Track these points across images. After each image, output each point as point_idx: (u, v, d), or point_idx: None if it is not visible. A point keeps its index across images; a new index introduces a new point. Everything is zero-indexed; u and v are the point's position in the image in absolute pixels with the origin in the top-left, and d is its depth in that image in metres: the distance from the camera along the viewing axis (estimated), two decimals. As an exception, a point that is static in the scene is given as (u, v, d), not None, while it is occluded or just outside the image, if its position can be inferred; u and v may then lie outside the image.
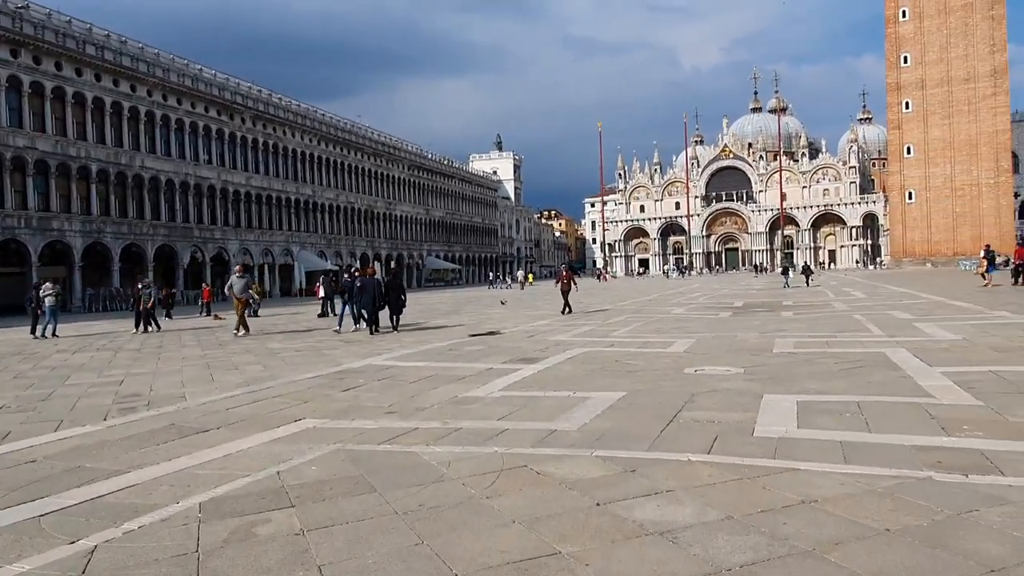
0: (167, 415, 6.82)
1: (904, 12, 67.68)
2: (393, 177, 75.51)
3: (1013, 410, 5.54)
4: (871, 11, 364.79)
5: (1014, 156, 72.97)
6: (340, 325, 16.37)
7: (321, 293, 23.85)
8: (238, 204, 52.59)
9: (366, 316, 17.18)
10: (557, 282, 21.52)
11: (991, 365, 7.87)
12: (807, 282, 37.42)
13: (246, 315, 17.14)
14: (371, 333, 16.48)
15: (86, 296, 38.61)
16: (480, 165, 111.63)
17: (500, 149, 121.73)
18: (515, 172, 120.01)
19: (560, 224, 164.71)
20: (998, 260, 30.19)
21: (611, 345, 11.63)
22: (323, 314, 22.89)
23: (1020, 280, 26.13)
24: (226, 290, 17.29)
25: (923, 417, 5.43)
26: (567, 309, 20.24)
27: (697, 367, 8.74)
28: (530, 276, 73.31)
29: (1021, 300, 18.54)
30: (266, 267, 54.47)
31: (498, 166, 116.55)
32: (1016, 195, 72.86)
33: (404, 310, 18.27)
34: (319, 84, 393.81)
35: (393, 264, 70.05)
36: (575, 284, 22.25)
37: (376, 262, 65.66)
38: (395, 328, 16.99)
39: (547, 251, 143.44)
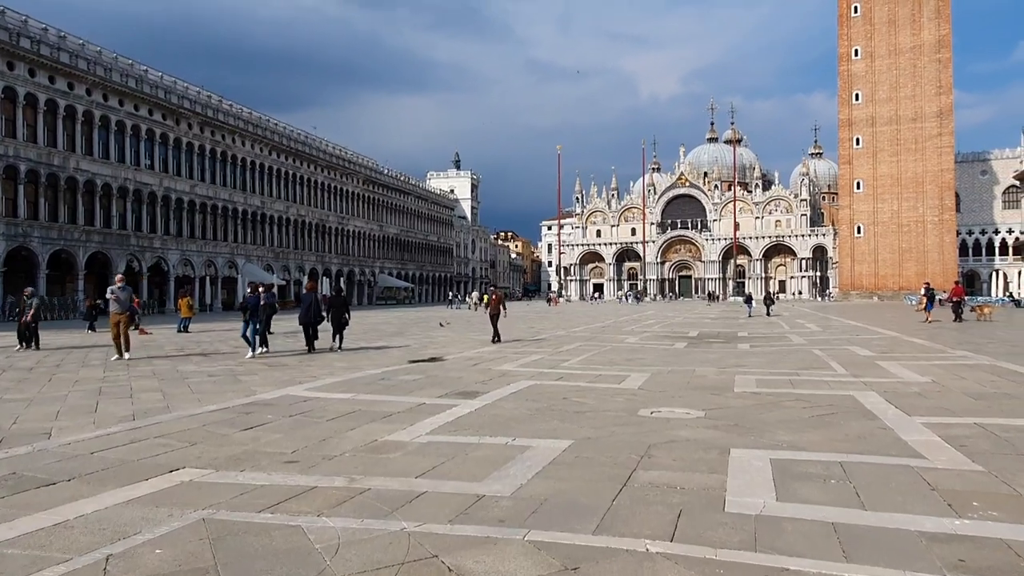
0: (13, 459, 5.57)
1: (856, 51, 69.49)
2: (347, 191, 73.90)
3: (1020, 478, 4.73)
4: (821, 51, 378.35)
5: (957, 196, 75.27)
6: (254, 350, 14.09)
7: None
8: (180, 212, 50.39)
9: (304, 333, 16.41)
10: (485, 306, 19.50)
11: (973, 416, 7.14)
12: (767, 312, 37.52)
13: (128, 332, 14.10)
14: (310, 350, 15.79)
15: (6, 304, 36.12)
16: (437, 183, 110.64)
17: (458, 168, 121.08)
18: (472, 191, 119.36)
19: (517, 246, 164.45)
20: (937, 297, 30.86)
21: (560, 378, 10.68)
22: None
23: (960, 318, 26.88)
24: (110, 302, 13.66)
25: (921, 487, 4.58)
26: (496, 338, 17.98)
27: (653, 408, 7.83)
28: (485, 297, 72.27)
29: (977, 339, 18.27)
30: (208, 279, 52.24)
31: (455, 185, 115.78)
32: (958, 233, 75.00)
33: (347, 329, 17.41)
34: (279, 94, 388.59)
35: (340, 280, 68.24)
36: (504, 309, 19.28)
37: (326, 277, 63.88)
38: (338, 348, 16.24)
39: (503, 272, 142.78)
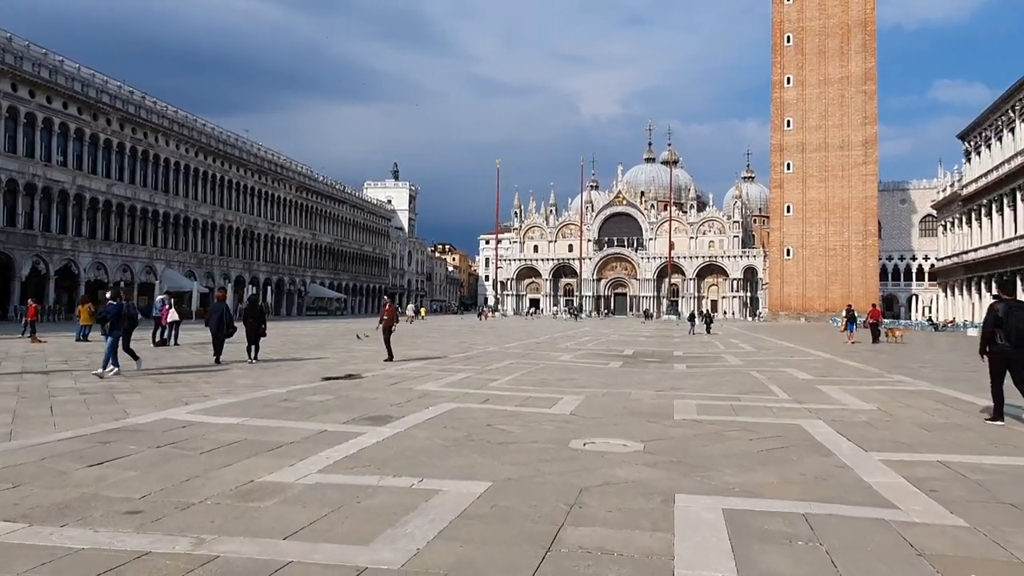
0: None
1: (789, 79, 71.51)
2: (278, 197, 71.43)
3: (1011, 537, 4.02)
4: (755, 80, 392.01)
5: (879, 223, 78.07)
6: (103, 368, 12.11)
7: (173, 316, 20.67)
8: (95, 213, 47.37)
9: (213, 345, 15.44)
10: (380, 321, 16.52)
11: (932, 451, 6.51)
12: (707, 330, 37.87)
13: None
14: (216, 363, 14.92)
15: None
16: (374, 193, 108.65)
17: (396, 178, 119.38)
18: (410, 203, 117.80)
19: (454, 259, 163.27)
20: (858, 319, 31.98)
21: (486, 400, 9.70)
22: (161, 342, 19.82)
23: (876, 338, 28.43)
24: None
25: (904, 551, 3.79)
26: (389, 357, 16.04)
27: (587, 439, 6.95)
28: (422, 310, 70.86)
29: (910, 363, 18.21)
30: (122, 285, 49.18)
31: (393, 195, 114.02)
32: (880, 258, 77.69)
33: (264, 340, 16.36)
34: (220, 99, 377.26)
35: (267, 289, 65.67)
36: (396, 322, 17.08)
37: (252, 286, 61.30)
38: (253, 359, 15.31)
39: (439, 285, 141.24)
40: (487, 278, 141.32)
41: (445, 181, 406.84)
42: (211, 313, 16.53)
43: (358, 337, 26.04)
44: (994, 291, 9.05)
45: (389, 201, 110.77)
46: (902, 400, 10.24)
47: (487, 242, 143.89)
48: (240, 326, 15.89)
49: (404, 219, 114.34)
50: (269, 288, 65.98)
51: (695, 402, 9.78)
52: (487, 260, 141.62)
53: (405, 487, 4.97)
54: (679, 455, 6.23)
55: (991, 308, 8.17)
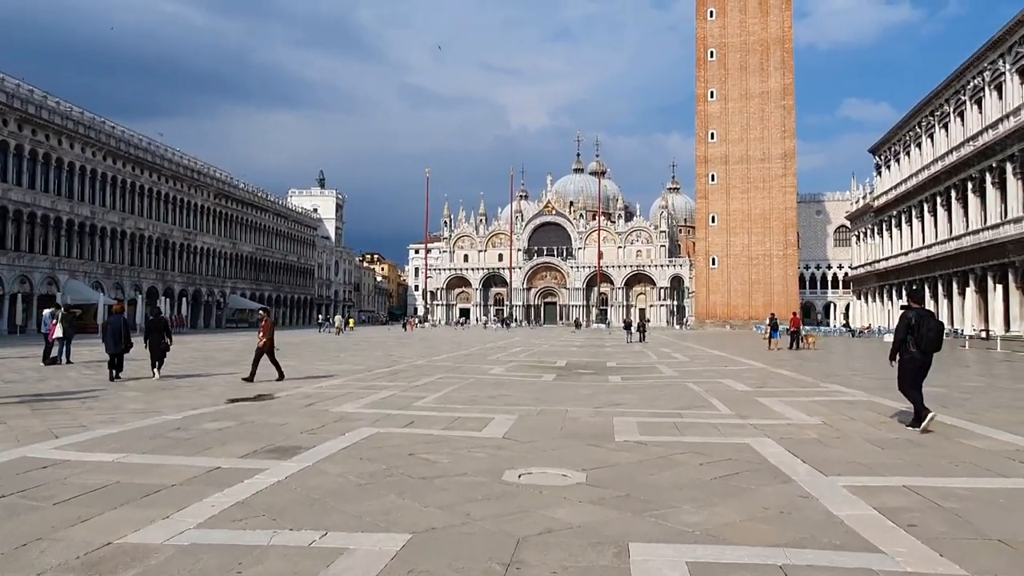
0: None
1: (712, 93, 73.25)
2: (195, 205, 68.20)
3: (1018, 587, 3.45)
4: (679, 96, 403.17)
5: (798, 233, 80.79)
6: None
7: (58, 332, 18.79)
8: (-12, 220, 43.82)
9: (108, 361, 14.38)
10: (260, 335, 14.03)
11: (894, 474, 6.02)
12: (642, 338, 38.16)
13: None
14: (111, 379, 13.84)
15: None
16: (299, 201, 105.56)
17: (323, 186, 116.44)
18: (337, 211, 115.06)
19: (383, 269, 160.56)
20: (780, 327, 33.08)
21: (411, 423, 8.80)
22: (52, 359, 18.01)
23: (796, 345, 29.83)
24: None
25: (909, 615, 3.16)
26: (279, 374, 14.12)
27: (522, 468, 6.17)
28: (351, 321, 68.85)
29: (840, 370, 18.25)
30: (20, 297, 45.66)
31: (319, 203, 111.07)
32: (798, 267, 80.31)
33: (168, 355, 15.14)
34: (142, 103, 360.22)
35: (182, 301, 62.48)
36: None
37: (166, 298, 58.12)
38: (156, 376, 14.33)
39: (368, 296, 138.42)
40: (417, 288, 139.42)
41: (374, 190, 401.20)
42: (106, 327, 15.09)
43: None
44: (904, 300, 9.17)
45: (315, 210, 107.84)
46: (845, 412, 9.89)
47: (417, 252, 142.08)
48: (141, 341, 14.51)
49: (331, 228, 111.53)
50: (185, 300, 62.77)
51: (636, 420, 9.15)
52: (416, 270, 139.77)
53: (303, 546, 4.06)
54: (626, 487, 5.52)
55: (903, 317, 8.36)
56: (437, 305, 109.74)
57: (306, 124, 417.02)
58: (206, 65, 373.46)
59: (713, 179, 73.46)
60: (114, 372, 14.22)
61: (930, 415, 8.14)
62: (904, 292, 58.33)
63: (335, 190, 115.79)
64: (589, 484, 5.65)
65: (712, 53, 73.42)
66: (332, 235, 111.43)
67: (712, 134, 73.22)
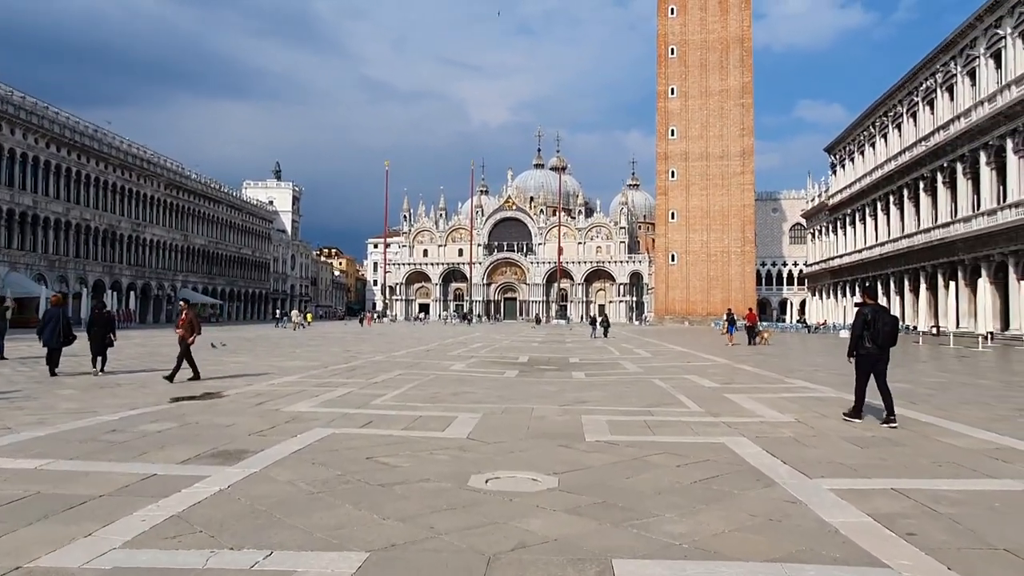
0: None
1: (673, 90, 73.69)
2: (145, 195, 65.95)
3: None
4: (639, 94, 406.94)
5: (755, 231, 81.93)
6: None
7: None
8: (-80, 208, 41.56)
9: (48, 356, 13.72)
10: (178, 329, 12.85)
11: (878, 475, 5.75)
12: (605, 334, 38.89)
13: None
14: (51, 375, 13.23)
15: None
16: (255, 193, 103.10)
17: (279, 178, 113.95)
18: (294, 204, 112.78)
19: (341, 263, 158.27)
20: (737, 322, 33.47)
21: (369, 423, 8.29)
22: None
23: (754, 341, 30.03)
24: None
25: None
26: (195, 374, 12.79)
27: (489, 472, 5.74)
28: (308, 316, 67.38)
29: (802, 366, 18.23)
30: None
31: (275, 196, 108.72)
32: (761, 264, 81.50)
33: (111, 351, 14.35)
34: (90, 91, 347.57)
35: (130, 294, 60.38)
36: (196, 333, 12.91)
37: (114, 291, 56.07)
38: (99, 372, 13.60)
39: (325, 290, 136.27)
40: (376, 283, 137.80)
41: (333, 184, 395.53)
42: (44, 321, 14.19)
43: (213, 346, 23.66)
44: (858, 297, 9.38)
45: (271, 202, 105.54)
46: (816, 409, 9.69)
47: (376, 246, 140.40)
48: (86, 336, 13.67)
49: (287, 221, 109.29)
50: (133, 293, 60.67)
51: (605, 418, 8.79)
52: (376, 264, 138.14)
53: (243, 569, 3.55)
54: (603, 493, 5.12)
55: (859, 313, 8.50)
56: (396, 300, 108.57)
57: (262, 115, 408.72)
58: (157, 53, 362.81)
59: (673, 175, 73.96)
60: (52, 368, 13.44)
61: (894, 419, 8.25)
62: (858, 289, 59.55)
63: (292, 182, 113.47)
64: (562, 490, 5.24)
65: (673, 50, 73.84)
66: (288, 228, 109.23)
67: (672, 131, 73.69)
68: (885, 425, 8.13)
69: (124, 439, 7.05)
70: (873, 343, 8.33)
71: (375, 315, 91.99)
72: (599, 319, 43.19)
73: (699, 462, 6.26)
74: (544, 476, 5.65)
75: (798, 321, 63.88)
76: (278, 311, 64.53)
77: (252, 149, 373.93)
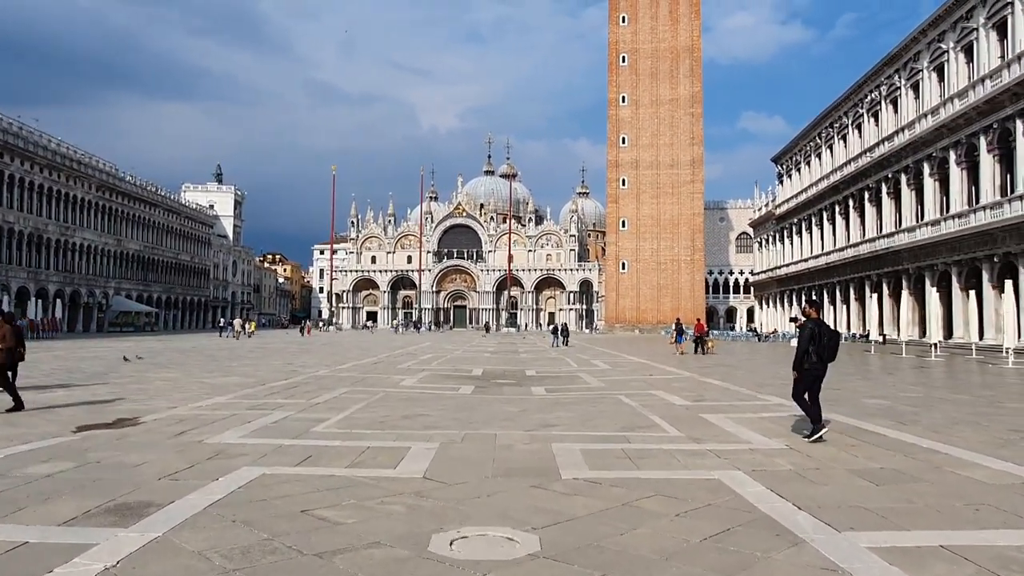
0: None
1: (624, 98, 73.82)
2: (74, 197, 62.48)
3: None
4: (586, 103, 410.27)
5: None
6: None
7: None
8: None
9: None
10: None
11: (915, 525, 4.89)
12: (566, 342, 39.01)
13: None
14: None
15: None
16: (194, 196, 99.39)
17: (220, 182, 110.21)
18: (236, 208, 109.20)
19: (285, 270, 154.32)
20: (686, 331, 33.68)
21: (307, 459, 7.10)
22: None
23: (701, 350, 30.09)
24: None
25: None
26: (16, 405, 10.26)
27: (453, 530, 4.67)
28: (251, 324, 64.68)
29: (769, 379, 17.61)
30: None
31: (216, 200, 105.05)
32: (709, 273, 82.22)
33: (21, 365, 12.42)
34: (18, 89, 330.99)
35: (59, 302, 56.96)
36: (20, 350, 10.57)
37: (39, 299, 52.74)
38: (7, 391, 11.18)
39: (268, 298, 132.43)
40: (322, 290, 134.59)
41: (278, 188, 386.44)
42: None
43: (125, 360, 21.91)
44: (796, 313, 9.16)
45: (211, 206, 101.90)
46: (804, 432, 8.89)
47: (322, 252, 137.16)
48: None
49: (228, 226, 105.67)
50: (61, 301, 57.24)
51: (578, 447, 7.79)
52: (322, 271, 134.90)
53: None
54: (598, 559, 4.11)
55: (805, 327, 8.35)
56: (343, 308, 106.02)
57: (203, 117, 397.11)
58: (91, 49, 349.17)
59: (624, 184, 74.01)
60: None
61: (825, 428, 8.33)
62: (803, 299, 60.38)
63: (234, 186, 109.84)
64: (547, 556, 4.20)
65: (624, 58, 74.02)
66: (230, 233, 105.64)
67: (623, 139, 73.77)
68: (810, 440, 8.12)
69: (1, 488, 5.71)
70: (819, 358, 8.22)
71: (323, 323, 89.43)
72: (560, 328, 43.00)
73: (700, 508, 5.30)
74: (521, 533, 4.61)
75: (749, 330, 64.38)
76: (222, 320, 61.36)
77: (193, 152, 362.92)
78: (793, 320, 8.90)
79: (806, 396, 8.39)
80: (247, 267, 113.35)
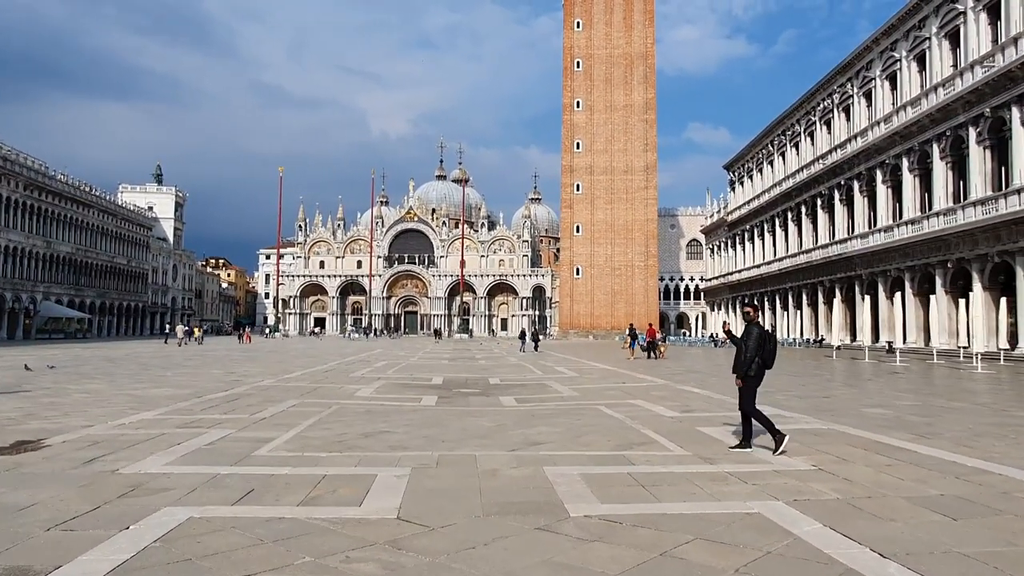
0: None
1: (578, 103, 73.34)
2: (-1, 196, 58.61)
3: None
4: (536, 111, 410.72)
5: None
6: None
7: None
8: None
9: None
10: None
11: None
12: (535, 348, 38.20)
13: None
14: None
15: None
16: (132, 198, 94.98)
17: (160, 182, 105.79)
18: (177, 211, 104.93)
19: (229, 275, 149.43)
20: (640, 336, 33.61)
21: (248, 492, 5.70)
22: None
23: (653, 355, 30.75)
24: None
25: None
26: None
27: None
28: (196, 330, 61.58)
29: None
30: None
31: (155, 201, 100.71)
32: (660, 279, 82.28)
33: None
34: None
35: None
36: None
37: None
38: None
39: (211, 304, 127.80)
40: (268, 296, 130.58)
41: (223, 192, 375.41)
42: None
43: (27, 368, 19.87)
44: (726, 319, 8.36)
45: (150, 208, 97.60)
46: (825, 449, 7.87)
47: (268, 257, 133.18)
48: None
49: (169, 229, 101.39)
50: (-18, 306, 53.45)
51: (576, 471, 6.58)
52: (268, 276, 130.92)
53: None
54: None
55: (751, 332, 7.87)
56: (290, 314, 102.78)
57: (144, 118, 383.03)
58: (19, 45, 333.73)
59: (578, 189, 73.46)
60: None
61: (787, 438, 7.67)
62: (748, 308, 60.74)
63: (175, 187, 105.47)
64: (591, 647, 2.96)
65: (579, 64, 73.58)
66: (170, 236, 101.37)
67: (578, 144, 73.25)
68: (737, 449, 7.71)
69: None
70: (764, 364, 7.86)
71: (269, 330, 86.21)
72: (530, 333, 42.30)
73: (760, 558, 4.15)
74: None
75: (709, 337, 64.32)
76: (167, 326, 57.08)
77: (132, 153, 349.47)
78: (728, 335, 8.74)
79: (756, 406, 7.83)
80: (188, 271, 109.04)
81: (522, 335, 41.56)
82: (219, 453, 7.46)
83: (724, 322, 8.55)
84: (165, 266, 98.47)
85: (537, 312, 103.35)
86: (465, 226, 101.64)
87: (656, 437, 8.70)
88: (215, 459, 7.11)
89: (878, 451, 7.66)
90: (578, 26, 73.66)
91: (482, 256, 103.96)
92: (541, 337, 43.97)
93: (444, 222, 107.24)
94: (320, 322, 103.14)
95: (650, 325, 35.94)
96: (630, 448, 7.96)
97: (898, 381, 18.52)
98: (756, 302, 56.82)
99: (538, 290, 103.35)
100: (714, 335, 62.44)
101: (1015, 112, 30.05)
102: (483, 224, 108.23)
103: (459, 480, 6.24)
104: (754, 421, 7.92)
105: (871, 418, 10.32)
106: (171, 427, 9.29)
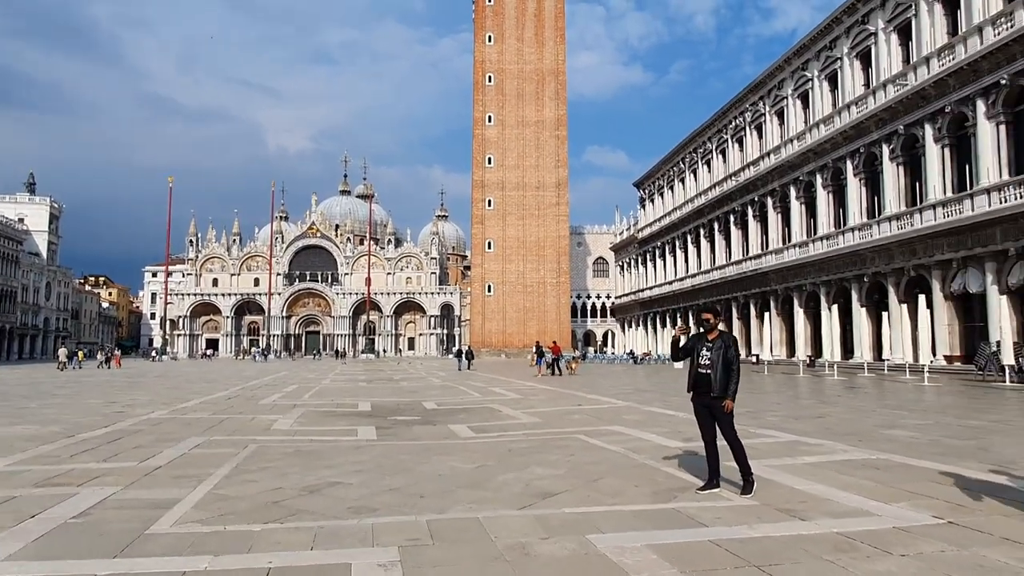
0: None
1: (490, 117, 72.03)
2: None
3: None
4: (438, 132, 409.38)
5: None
6: None
7: None
8: None
9: None
10: None
11: None
12: (469, 366, 38.42)
13: None
14: None
15: None
16: (1, 209, 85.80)
17: (33, 192, 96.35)
18: (51, 223, 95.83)
19: (110, 294, 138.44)
20: (546, 354, 33.68)
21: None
22: None
23: (555, 371, 32.03)
24: None
25: None
26: None
27: None
28: (80, 354, 55.37)
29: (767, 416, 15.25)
30: None
31: (27, 213, 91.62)
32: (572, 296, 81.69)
33: None
34: None
35: None
36: None
37: None
38: None
39: (89, 325, 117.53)
40: (153, 316, 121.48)
41: (106, 206, 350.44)
42: None
43: None
44: (676, 328, 6.70)
45: (21, 220, 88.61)
46: (892, 484, 6.23)
47: (155, 275, 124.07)
48: None
49: (42, 243, 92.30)
50: None
51: (640, 541, 4.59)
52: (154, 295, 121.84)
53: None
54: None
55: (728, 340, 6.41)
56: (179, 335, 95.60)
57: (16, 126, 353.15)
58: None
59: (490, 204, 71.93)
60: None
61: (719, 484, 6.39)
62: (669, 321, 60.89)
63: (50, 198, 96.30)
64: None
65: (490, 78, 72.39)
66: (44, 251, 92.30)
67: (490, 159, 71.83)
68: (744, 494, 6.09)
69: None
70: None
71: (156, 353, 79.24)
72: (465, 351, 40.95)
73: None
74: None
75: (628, 353, 63.82)
76: (62, 350, 48.41)
77: (7, 163, 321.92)
78: (676, 341, 6.43)
79: (711, 438, 6.43)
80: (64, 290, 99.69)
81: (458, 353, 41.32)
82: (93, 533, 4.95)
83: (679, 326, 6.87)
84: (37, 283, 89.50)
85: (446, 331, 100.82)
86: (371, 242, 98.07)
87: (690, 479, 6.84)
88: (86, 546, 4.62)
89: (976, 493, 6.08)
90: (490, 40, 72.57)
91: (389, 273, 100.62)
92: (433, 356, 42.13)
93: (349, 238, 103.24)
94: (213, 344, 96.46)
95: (554, 342, 37.44)
96: (674, 498, 6.03)
97: (871, 398, 17.61)
98: (679, 320, 57.30)
99: (446, 308, 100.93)
100: (632, 352, 62.14)
101: (928, 129, 30.74)
102: (390, 241, 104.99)
103: (479, 568, 4.12)
104: (707, 453, 6.42)
105: (913, 445, 8.85)
106: (23, 484, 6.59)
